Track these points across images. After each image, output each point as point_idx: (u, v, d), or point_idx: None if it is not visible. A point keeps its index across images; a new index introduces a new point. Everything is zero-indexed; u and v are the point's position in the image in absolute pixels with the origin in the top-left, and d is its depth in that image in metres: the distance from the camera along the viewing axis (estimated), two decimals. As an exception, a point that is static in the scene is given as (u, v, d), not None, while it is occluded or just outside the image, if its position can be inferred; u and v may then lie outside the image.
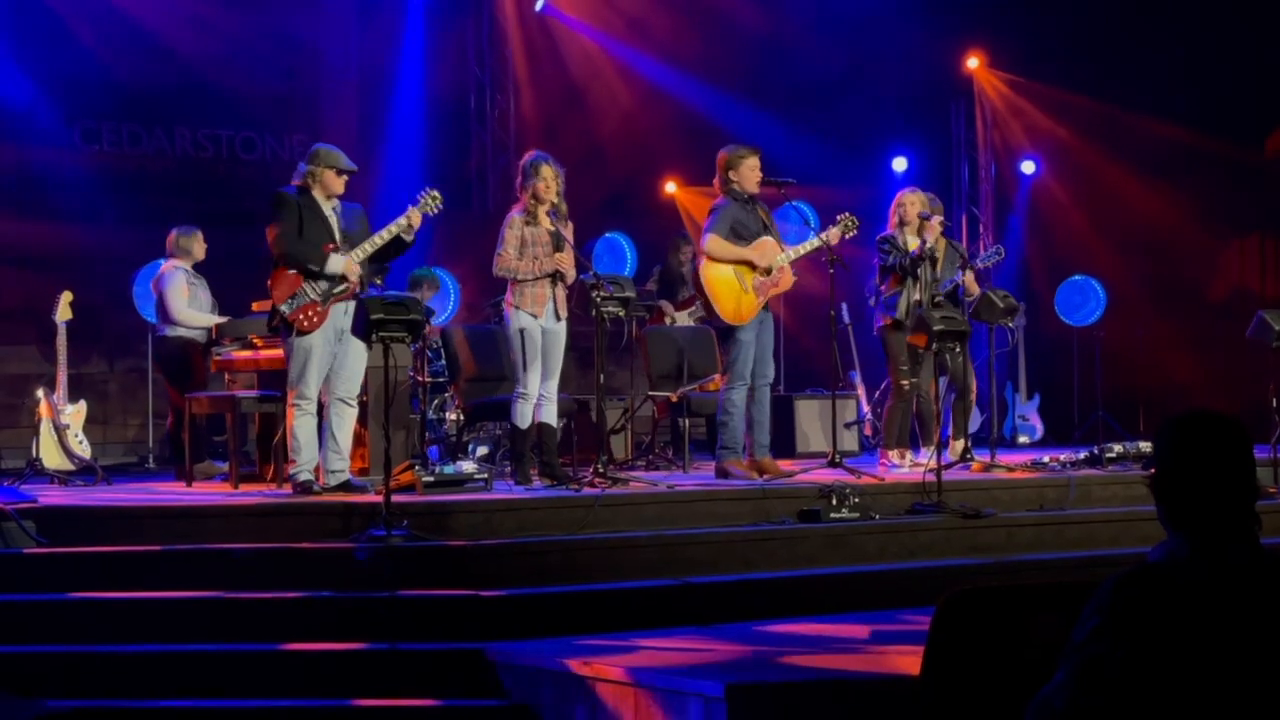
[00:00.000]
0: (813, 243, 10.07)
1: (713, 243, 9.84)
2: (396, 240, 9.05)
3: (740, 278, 9.82)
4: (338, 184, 9.02)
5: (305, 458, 8.89)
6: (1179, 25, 15.28)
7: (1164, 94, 15.31)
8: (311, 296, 8.88)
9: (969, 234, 16.18)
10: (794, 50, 15.69)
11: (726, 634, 6.95)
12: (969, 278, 10.72)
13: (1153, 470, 3.14)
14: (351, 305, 8.84)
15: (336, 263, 8.90)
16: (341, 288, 8.92)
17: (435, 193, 9.15)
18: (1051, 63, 15.84)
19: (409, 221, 8.98)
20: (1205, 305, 15.47)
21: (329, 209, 9.05)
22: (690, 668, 6.14)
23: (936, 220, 10.66)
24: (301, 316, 8.87)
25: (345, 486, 8.82)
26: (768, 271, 9.86)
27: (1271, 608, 2.97)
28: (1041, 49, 15.91)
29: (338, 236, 9.01)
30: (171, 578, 7.56)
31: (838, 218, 10.14)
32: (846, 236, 10.16)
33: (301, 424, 8.88)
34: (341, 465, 8.93)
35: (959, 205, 16.37)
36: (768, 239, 9.92)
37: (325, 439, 8.92)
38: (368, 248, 9.00)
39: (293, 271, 8.89)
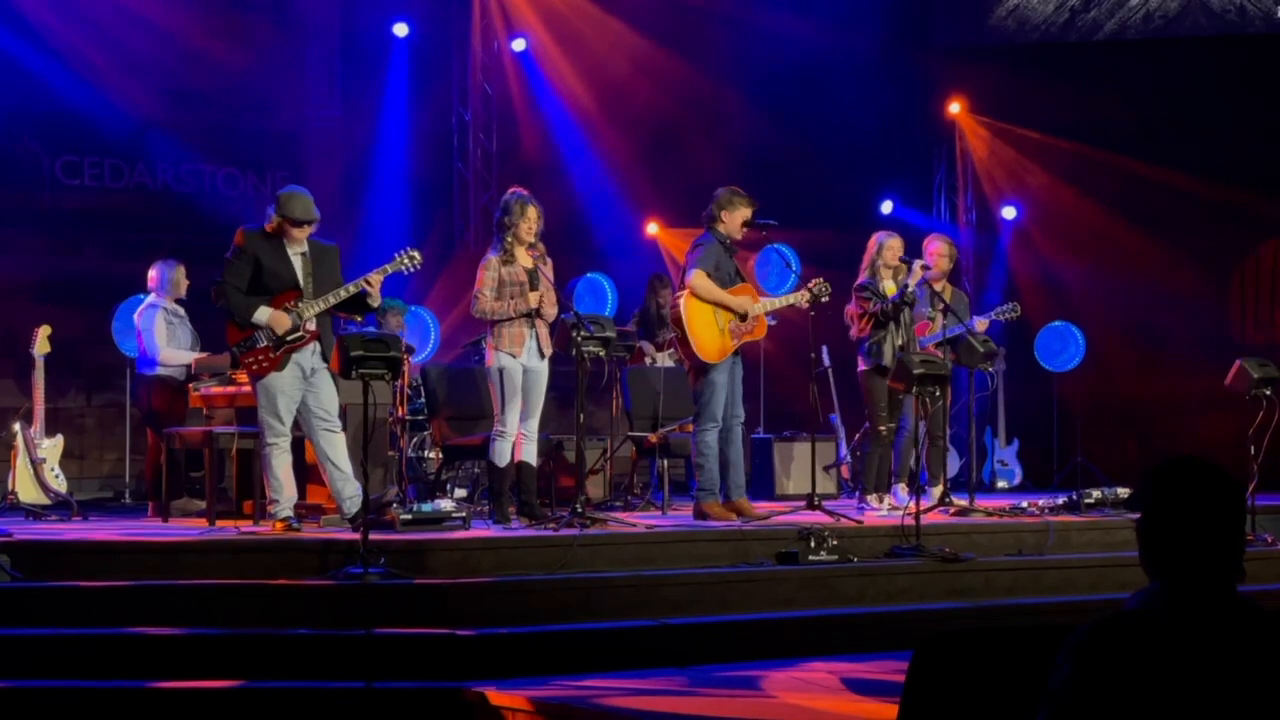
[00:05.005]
0: (785, 299, 10.15)
1: (699, 278, 9.81)
2: (360, 300, 8.95)
3: (718, 318, 9.84)
4: (297, 233, 8.87)
5: (286, 495, 8.85)
6: (1159, 77, 15.42)
7: (1144, 143, 15.41)
8: (264, 342, 8.82)
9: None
10: (778, 89, 15.74)
11: (705, 676, 6.93)
12: (981, 325, 10.78)
13: (1139, 515, 3.13)
14: (316, 344, 8.83)
15: (263, 314, 8.77)
16: (295, 336, 8.82)
17: (414, 253, 9.05)
18: (1033, 110, 15.93)
19: (368, 283, 8.83)
20: (1185, 351, 15.51)
21: (295, 251, 8.92)
22: (669, 713, 6.12)
23: (918, 263, 10.68)
24: (251, 360, 8.82)
25: (369, 506, 8.32)
26: (744, 318, 9.88)
27: (1246, 658, 2.96)
28: (1023, 97, 15.98)
29: (300, 279, 8.90)
30: (146, 614, 7.53)
31: (810, 284, 10.12)
32: (821, 300, 10.14)
33: (278, 461, 8.84)
34: (353, 489, 8.77)
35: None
36: (749, 286, 9.97)
37: (326, 470, 8.87)
38: (330, 300, 8.87)
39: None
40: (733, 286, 9.89)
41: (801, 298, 10.08)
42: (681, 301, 9.88)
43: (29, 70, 13.18)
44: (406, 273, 9.14)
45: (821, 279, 10.20)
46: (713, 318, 9.84)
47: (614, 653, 7.29)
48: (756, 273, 13.29)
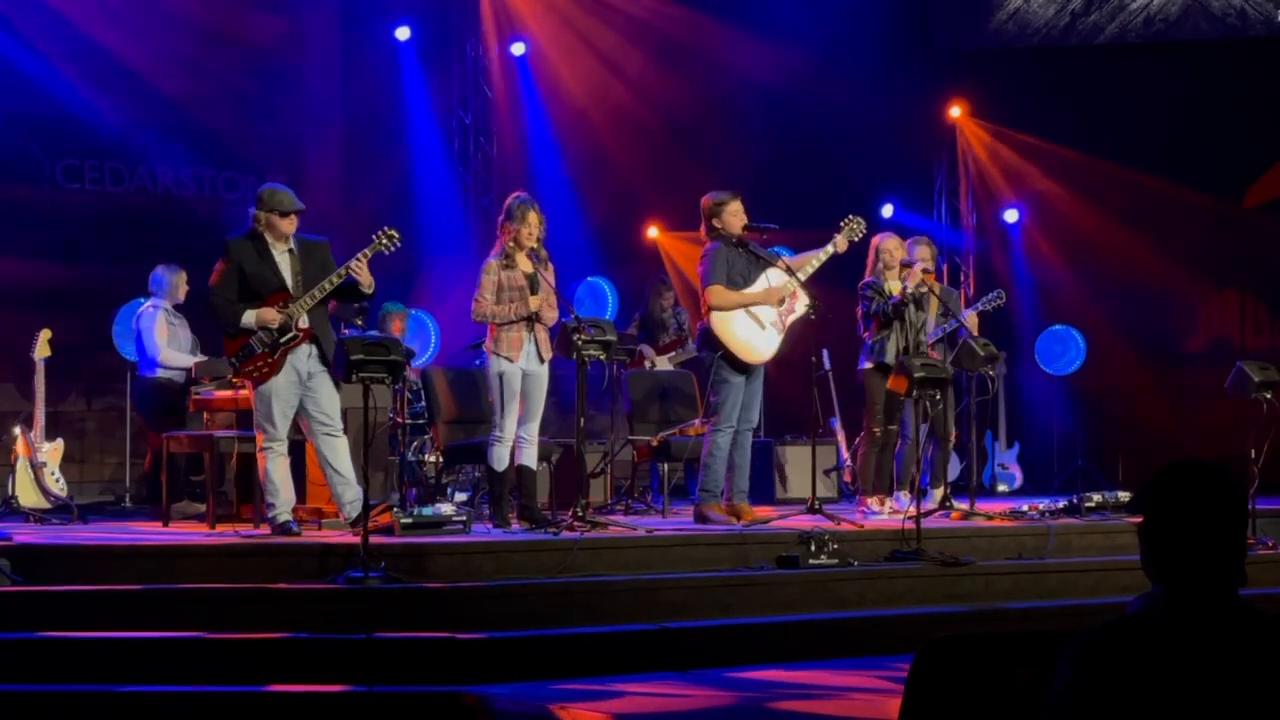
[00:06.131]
0: (820, 256, 10.06)
1: (717, 294, 9.77)
2: (353, 289, 8.92)
3: (755, 317, 9.82)
4: (285, 225, 8.86)
5: (282, 499, 8.84)
6: (1160, 80, 15.44)
7: (1144, 146, 15.42)
8: (259, 349, 8.78)
9: (950, 282, 16.20)
10: (779, 93, 15.73)
11: (704, 679, 6.93)
12: (971, 319, 10.74)
13: (1140, 518, 3.12)
14: (314, 348, 8.81)
15: (250, 315, 8.75)
16: (289, 336, 8.79)
17: (392, 231, 8.95)
18: (1033, 114, 15.94)
19: (349, 269, 8.75)
20: (1185, 355, 15.53)
21: (282, 250, 8.90)
22: (668, 714, 6.11)
23: (919, 266, 10.68)
24: (251, 368, 8.79)
25: (369, 512, 8.12)
26: (780, 303, 9.88)
27: (1247, 663, 2.95)
28: (1024, 100, 15.99)
29: (289, 280, 8.87)
30: (147, 618, 7.51)
31: (842, 223, 10.13)
32: (854, 240, 10.16)
33: (275, 465, 8.83)
34: (354, 494, 8.75)
35: (940, 253, 16.39)
36: (771, 270, 9.93)
37: (327, 475, 8.86)
38: (317, 293, 8.83)
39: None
40: (761, 278, 9.87)
41: (839, 245, 10.04)
42: (710, 322, 9.81)
43: (29, 73, 13.16)
44: (388, 252, 8.99)
45: (852, 215, 10.18)
46: (749, 320, 9.81)
47: (614, 656, 7.28)
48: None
